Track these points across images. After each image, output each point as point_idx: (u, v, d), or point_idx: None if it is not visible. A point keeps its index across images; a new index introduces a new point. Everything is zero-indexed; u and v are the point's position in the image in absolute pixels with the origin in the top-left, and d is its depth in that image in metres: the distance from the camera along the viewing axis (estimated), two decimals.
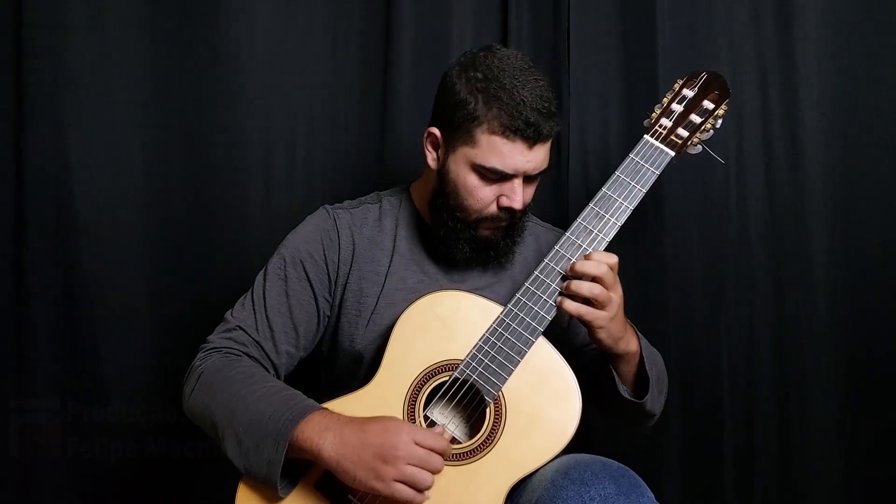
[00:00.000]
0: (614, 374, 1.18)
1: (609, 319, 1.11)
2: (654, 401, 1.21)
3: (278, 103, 1.67)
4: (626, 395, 1.19)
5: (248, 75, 1.66)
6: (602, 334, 1.12)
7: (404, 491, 1.02)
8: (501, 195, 1.17)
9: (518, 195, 1.17)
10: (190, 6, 1.65)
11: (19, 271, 1.65)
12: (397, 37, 1.66)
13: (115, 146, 1.66)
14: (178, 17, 1.65)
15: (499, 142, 1.14)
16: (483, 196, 1.17)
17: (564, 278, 1.13)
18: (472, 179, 1.17)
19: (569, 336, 1.31)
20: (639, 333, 1.20)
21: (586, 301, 1.11)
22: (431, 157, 1.23)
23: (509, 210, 1.18)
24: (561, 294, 1.12)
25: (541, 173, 1.20)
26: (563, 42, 1.65)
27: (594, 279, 1.10)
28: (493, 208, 1.18)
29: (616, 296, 1.12)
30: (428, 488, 1.03)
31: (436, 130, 1.21)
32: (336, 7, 1.69)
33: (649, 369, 1.18)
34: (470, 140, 1.15)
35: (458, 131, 1.17)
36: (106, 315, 1.66)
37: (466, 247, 1.21)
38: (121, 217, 1.66)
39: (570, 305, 1.11)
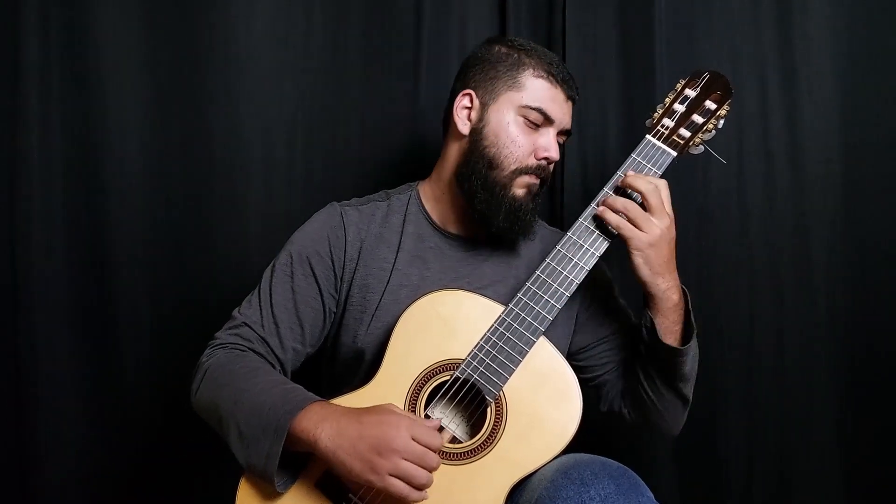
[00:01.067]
0: (652, 320, 1.16)
1: (648, 244, 1.12)
2: (693, 365, 1.20)
3: (278, 103, 1.67)
4: (668, 341, 1.16)
5: (249, 75, 1.66)
6: (638, 259, 1.12)
7: (399, 485, 1.01)
8: (538, 147, 1.21)
9: (555, 145, 1.23)
10: (190, 5, 1.65)
11: (19, 269, 1.64)
12: (397, 37, 1.66)
13: (115, 145, 1.65)
14: (177, 17, 1.65)
15: (545, 85, 1.22)
16: (525, 143, 1.21)
17: (617, 190, 1.16)
18: (517, 125, 1.21)
19: (588, 329, 1.31)
20: (688, 296, 1.19)
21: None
22: (462, 122, 1.25)
23: (546, 162, 1.22)
24: (604, 200, 1.14)
25: (565, 137, 1.26)
26: (561, 42, 1.65)
27: (641, 195, 1.12)
28: (532, 160, 1.22)
29: (659, 223, 1.12)
30: (423, 486, 1.02)
31: (470, 91, 1.25)
32: (336, 7, 1.68)
33: (695, 322, 1.18)
34: (516, 85, 1.22)
35: (500, 81, 1.23)
36: (106, 314, 1.66)
37: (501, 213, 1.21)
38: (120, 216, 1.65)
39: (610, 216, 1.13)
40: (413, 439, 1.02)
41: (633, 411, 1.29)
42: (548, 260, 1.15)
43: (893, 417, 1.64)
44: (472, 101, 1.25)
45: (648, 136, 1.18)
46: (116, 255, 1.66)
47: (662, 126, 1.18)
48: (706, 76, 1.20)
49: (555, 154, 1.22)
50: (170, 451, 1.66)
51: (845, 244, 1.65)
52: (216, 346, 1.21)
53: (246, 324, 1.22)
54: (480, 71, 1.25)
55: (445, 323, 1.15)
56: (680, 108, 1.19)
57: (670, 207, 1.14)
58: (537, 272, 1.14)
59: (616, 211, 1.13)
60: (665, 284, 1.15)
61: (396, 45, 1.68)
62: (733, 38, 1.65)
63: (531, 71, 1.22)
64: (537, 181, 1.23)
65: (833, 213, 1.64)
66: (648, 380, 1.23)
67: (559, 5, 1.64)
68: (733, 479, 1.67)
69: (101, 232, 1.66)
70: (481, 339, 1.13)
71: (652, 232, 1.11)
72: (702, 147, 1.21)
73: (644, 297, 1.19)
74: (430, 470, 1.02)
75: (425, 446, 1.02)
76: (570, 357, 1.30)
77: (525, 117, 1.21)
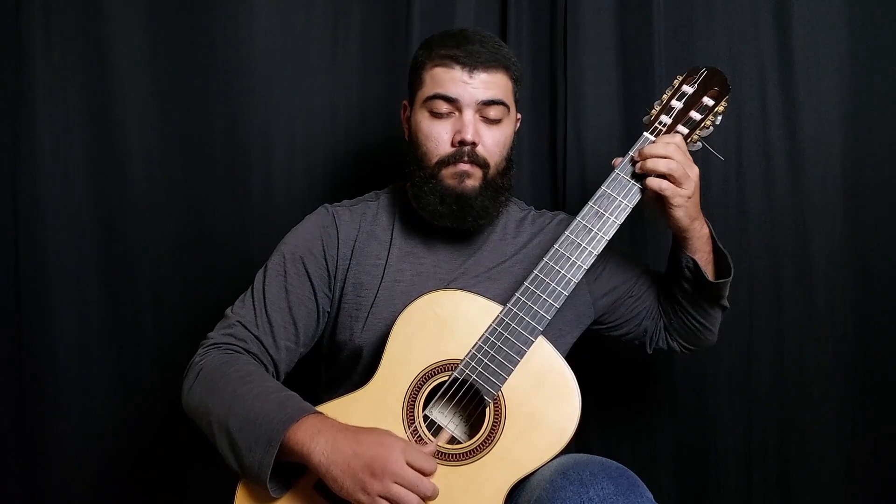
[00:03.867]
0: (694, 261, 1.22)
1: (687, 198, 1.15)
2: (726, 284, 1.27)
3: (278, 103, 1.67)
4: (711, 277, 1.24)
5: (249, 76, 1.66)
6: (679, 213, 1.16)
7: None
8: (456, 131, 1.19)
9: (468, 126, 1.18)
10: (190, 5, 1.65)
11: (19, 269, 1.65)
12: (397, 37, 1.66)
13: (116, 145, 1.65)
14: (178, 17, 1.65)
15: (440, 72, 1.19)
16: (437, 133, 1.20)
17: (634, 163, 1.15)
18: (426, 119, 1.21)
19: (606, 292, 1.33)
20: (710, 225, 1.24)
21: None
22: (406, 131, 1.27)
23: (462, 143, 1.18)
24: (635, 175, 1.15)
25: (500, 112, 1.20)
26: (561, 41, 1.64)
27: (666, 158, 1.13)
28: (449, 147, 1.20)
29: (693, 173, 1.15)
30: None
31: (405, 101, 1.28)
32: (336, 7, 1.68)
33: (721, 246, 1.24)
34: (419, 82, 1.22)
35: (414, 85, 1.24)
36: (106, 313, 1.66)
37: (435, 199, 1.21)
38: (121, 216, 1.66)
39: (654, 182, 1.14)
40: (408, 464, 1.01)
41: (682, 339, 1.37)
42: (545, 259, 1.14)
43: (893, 418, 1.64)
44: (406, 108, 1.28)
45: (646, 133, 1.18)
46: (117, 256, 1.66)
47: (660, 123, 1.18)
48: (704, 72, 1.19)
49: (468, 134, 1.17)
50: (170, 451, 1.67)
51: (845, 244, 1.64)
52: (209, 345, 1.20)
53: (240, 322, 1.21)
54: (409, 79, 1.26)
55: (443, 323, 1.14)
56: (677, 104, 1.18)
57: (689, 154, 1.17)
58: (535, 272, 1.14)
59: (658, 172, 1.13)
60: (699, 223, 1.21)
61: (397, 46, 1.67)
62: (732, 38, 1.64)
63: (428, 64, 1.21)
64: (467, 167, 1.19)
65: (832, 212, 1.63)
66: (698, 309, 1.31)
67: (560, 5, 1.64)
68: (732, 479, 1.66)
69: (101, 232, 1.66)
70: (479, 340, 1.12)
71: (689, 185, 1.14)
72: (699, 144, 1.20)
73: (675, 241, 1.25)
74: (423, 497, 1.02)
75: (420, 471, 1.02)
76: (602, 322, 1.35)
77: (430, 110, 1.20)
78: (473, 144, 1.18)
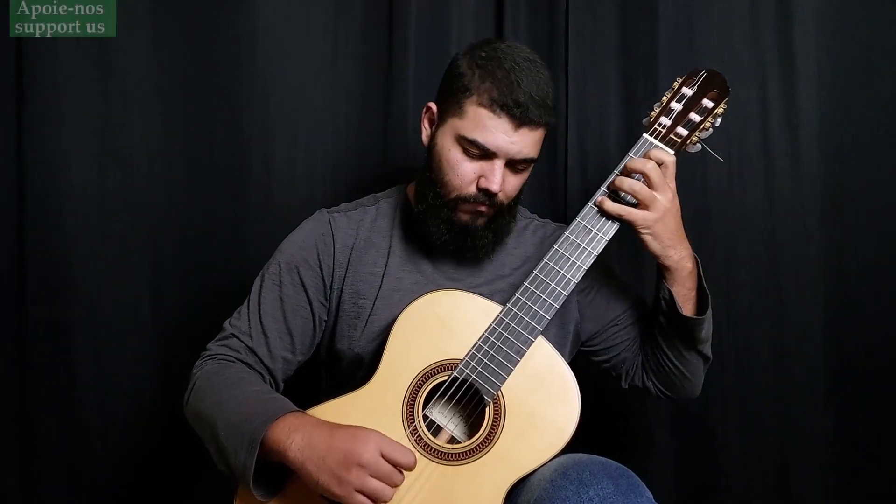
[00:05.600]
0: (670, 292, 1.18)
1: (654, 220, 1.12)
2: (709, 327, 1.22)
3: (278, 103, 1.67)
4: (686, 312, 1.18)
5: (249, 76, 1.66)
6: (647, 236, 1.14)
7: (364, 502, 1.00)
8: (482, 176, 1.16)
9: (496, 177, 1.15)
10: (192, 6, 1.65)
11: (20, 271, 1.65)
12: (397, 37, 1.66)
13: (116, 146, 1.65)
14: (180, 17, 1.65)
15: (485, 115, 1.13)
16: (464, 172, 1.16)
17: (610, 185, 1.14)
18: (456, 153, 1.16)
19: (596, 314, 1.30)
20: (698, 261, 1.20)
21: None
22: (425, 133, 1.23)
23: (487, 193, 1.16)
24: (604, 194, 1.14)
25: (528, 164, 1.19)
26: (561, 41, 1.65)
27: (642, 175, 1.12)
28: (473, 188, 1.17)
29: (663, 197, 1.12)
30: (387, 503, 1.02)
31: (433, 105, 1.22)
32: (336, 7, 1.68)
33: (706, 287, 1.19)
34: (459, 111, 1.15)
35: (449, 102, 1.17)
36: (107, 316, 1.66)
37: (443, 227, 1.19)
38: (121, 217, 1.66)
39: (611, 205, 1.12)
40: (383, 456, 1.01)
41: (657, 380, 1.30)
42: (545, 259, 1.14)
43: (890, 419, 1.64)
44: (433, 114, 1.22)
45: (645, 135, 1.18)
46: (117, 256, 1.66)
47: (660, 124, 1.18)
48: (703, 74, 1.19)
49: (495, 186, 1.15)
50: (170, 452, 1.66)
51: (844, 244, 1.64)
52: (206, 357, 1.21)
53: (234, 335, 1.21)
54: (444, 84, 1.21)
55: (443, 323, 1.15)
56: (677, 106, 1.18)
57: (674, 181, 1.14)
58: (535, 272, 1.14)
59: (623, 191, 1.13)
60: (678, 255, 1.17)
61: (397, 47, 1.67)
62: (732, 38, 1.65)
63: (475, 98, 1.14)
64: (484, 209, 1.19)
65: (832, 212, 1.64)
66: (672, 349, 1.25)
67: (561, 6, 1.64)
68: (732, 479, 1.67)
69: (101, 232, 1.66)
70: (479, 339, 1.13)
71: (656, 208, 1.12)
72: (699, 146, 1.20)
73: (658, 270, 1.20)
74: (394, 486, 1.02)
75: (394, 464, 1.02)
76: (584, 344, 1.31)
77: (463, 147, 1.16)
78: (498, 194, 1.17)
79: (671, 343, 1.24)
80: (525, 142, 1.15)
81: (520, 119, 1.13)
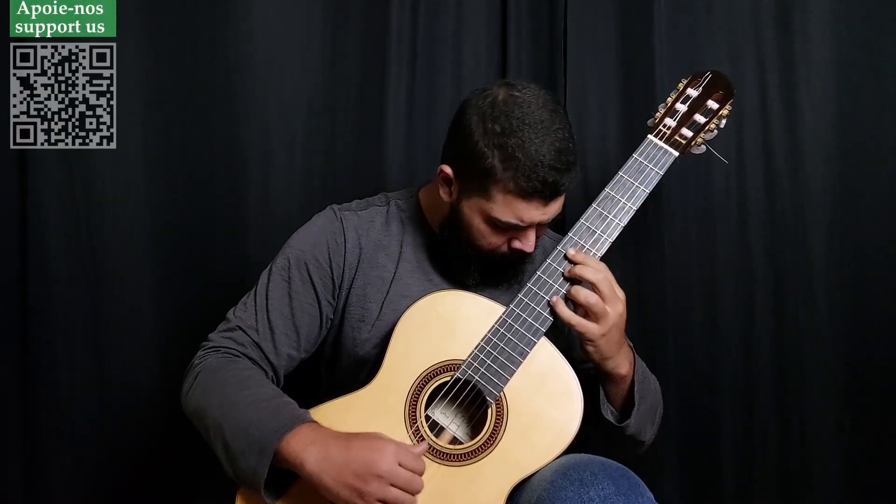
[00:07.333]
0: (600, 391, 1.17)
1: (600, 335, 1.10)
2: (640, 426, 1.19)
3: (277, 104, 1.66)
4: (608, 416, 1.17)
5: (248, 76, 1.65)
6: (590, 348, 1.12)
7: None
8: (514, 239, 1.16)
9: (531, 241, 1.16)
10: (190, 7, 1.64)
11: (22, 270, 1.64)
12: (397, 39, 1.65)
13: (116, 146, 1.64)
14: (178, 19, 1.64)
15: (515, 201, 1.11)
16: (495, 241, 1.16)
17: (566, 280, 1.13)
18: (485, 227, 1.15)
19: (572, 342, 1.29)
20: (636, 357, 1.18)
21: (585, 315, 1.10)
22: (444, 192, 1.18)
23: (521, 252, 1.17)
24: (558, 296, 1.12)
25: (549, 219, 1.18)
26: (561, 42, 1.64)
27: (592, 286, 1.10)
28: (504, 248, 1.17)
29: (613, 311, 1.10)
30: None
31: (449, 170, 1.16)
32: (336, 9, 1.67)
33: (638, 396, 1.16)
34: (485, 194, 1.12)
35: (472, 181, 1.13)
36: (107, 314, 1.66)
37: (477, 273, 1.20)
38: (121, 217, 1.65)
39: (564, 311, 1.11)
40: (399, 465, 1.02)
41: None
42: (549, 260, 1.14)
43: (893, 418, 1.64)
44: (450, 177, 1.17)
45: (650, 136, 1.18)
46: (117, 256, 1.65)
47: (664, 126, 1.18)
48: (708, 76, 1.19)
49: (529, 248, 1.16)
50: (172, 452, 1.66)
51: (845, 245, 1.64)
52: (209, 348, 1.20)
53: (240, 327, 1.20)
54: (458, 154, 1.14)
55: (446, 323, 1.14)
56: (682, 107, 1.18)
57: (618, 288, 1.12)
58: (538, 273, 1.14)
59: (578, 304, 1.11)
60: (613, 363, 1.13)
61: (396, 49, 1.66)
62: (733, 38, 1.64)
63: (501, 185, 1.09)
64: (516, 259, 1.19)
65: (833, 213, 1.64)
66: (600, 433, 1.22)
67: (560, 6, 1.64)
68: (734, 479, 1.67)
69: (101, 232, 1.65)
70: (482, 340, 1.13)
71: (605, 323, 1.10)
72: (703, 147, 1.21)
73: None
74: (415, 494, 1.03)
75: (412, 471, 1.02)
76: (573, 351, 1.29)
77: (493, 224, 1.14)
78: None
79: (598, 431, 1.21)
80: (555, 208, 1.14)
81: (550, 195, 1.11)
